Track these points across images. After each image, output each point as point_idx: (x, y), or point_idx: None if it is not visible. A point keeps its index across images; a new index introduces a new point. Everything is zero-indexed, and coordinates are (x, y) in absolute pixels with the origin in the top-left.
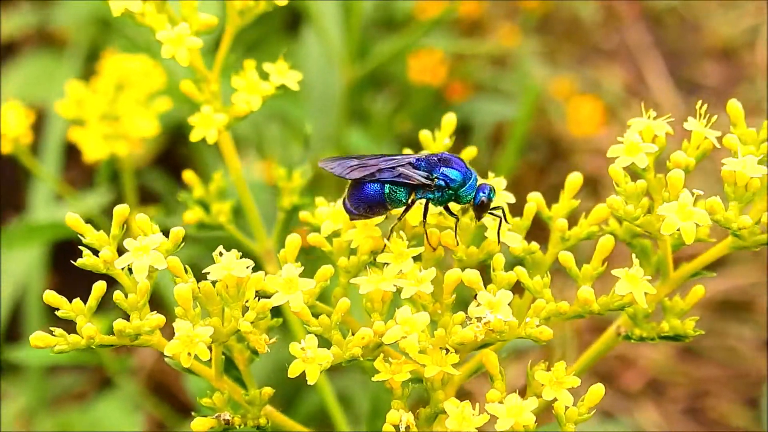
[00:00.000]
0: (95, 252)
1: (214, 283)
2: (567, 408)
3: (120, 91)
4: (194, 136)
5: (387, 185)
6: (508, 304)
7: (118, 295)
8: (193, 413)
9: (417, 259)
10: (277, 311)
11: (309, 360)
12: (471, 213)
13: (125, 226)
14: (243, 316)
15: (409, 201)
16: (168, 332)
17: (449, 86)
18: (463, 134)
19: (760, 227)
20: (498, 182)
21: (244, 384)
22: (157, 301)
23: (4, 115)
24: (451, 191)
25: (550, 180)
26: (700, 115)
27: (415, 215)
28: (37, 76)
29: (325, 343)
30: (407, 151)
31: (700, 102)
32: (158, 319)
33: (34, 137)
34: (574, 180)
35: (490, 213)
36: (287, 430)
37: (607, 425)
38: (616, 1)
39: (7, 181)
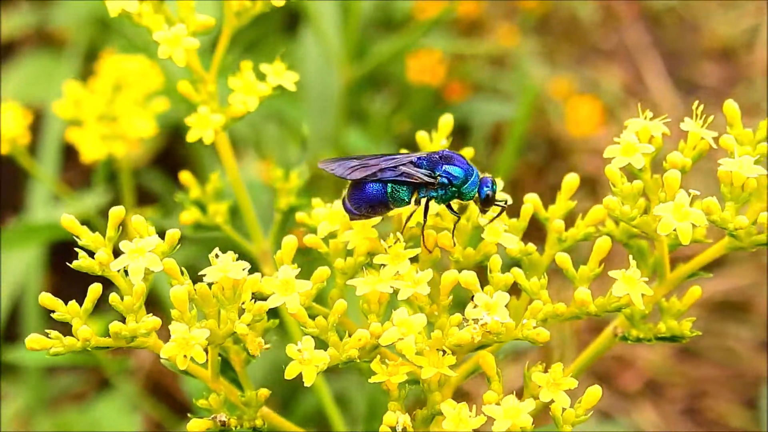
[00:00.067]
0: (91, 254)
1: (210, 285)
2: (564, 410)
3: (118, 92)
4: (191, 137)
5: (389, 185)
6: (505, 306)
7: (113, 297)
8: (189, 414)
9: (414, 260)
10: (273, 313)
11: (306, 362)
12: (468, 213)
13: (121, 227)
14: (239, 318)
15: (412, 200)
16: (164, 334)
17: (448, 86)
18: (461, 134)
19: (757, 227)
20: (490, 176)
21: (241, 385)
22: (154, 302)
23: (1, 116)
24: (454, 188)
25: (549, 180)
26: (697, 115)
27: (407, 213)
28: (35, 76)
29: (321, 344)
30: (405, 151)
31: (697, 102)
32: (154, 321)
33: (32, 138)
34: (570, 181)
35: (495, 204)
36: (284, 431)
37: (605, 426)
38: (615, 1)
39: (6, 181)
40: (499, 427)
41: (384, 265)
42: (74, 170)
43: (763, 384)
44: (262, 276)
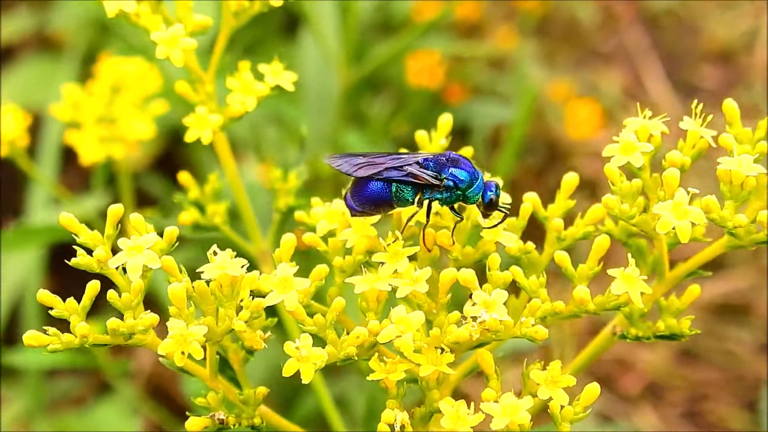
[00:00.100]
0: (90, 252)
1: (208, 282)
2: (562, 407)
3: (116, 94)
4: (189, 137)
5: (394, 184)
6: (504, 304)
7: (111, 293)
8: (187, 413)
9: (413, 258)
10: (272, 311)
11: (304, 359)
12: (468, 212)
13: (119, 226)
14: (237, 315)
15: (415, 200)
16: (162, 332)
17: (447, 89)
18: (461, 137)
19: (756, 226)
20: (491, 178)
21: (239, 384)
22: (152, 302)
23: (1, 118)
24: (459, 192)
25: (548, 183)
26: (696, 114)
27: (408, 214)
28: (35, 79)
29: (320, 342)
30: (404, 151)
31: (696, 102)
32: (152, 318)
33: (31, 141)
34: (570, 180)
35: (498, 210)
36: (282, 430)
37: (606, 429)
38: (613, 2)
39: (6, 184)
40: (497, 424)
41: (382, 263)
42: (74, 174)
43: (763, 387)
44: (261, 274)
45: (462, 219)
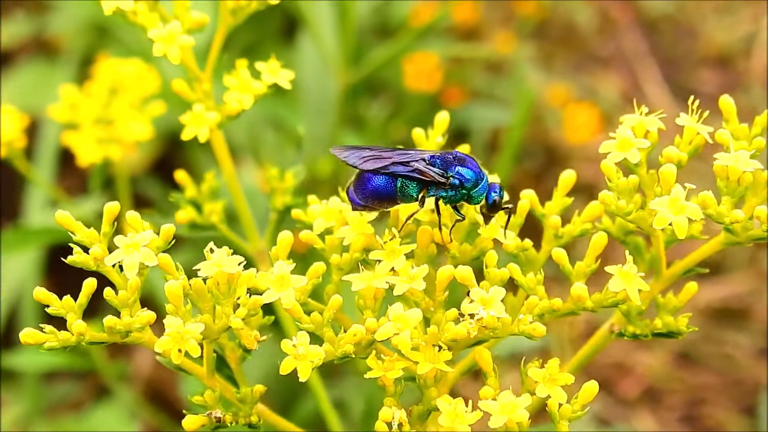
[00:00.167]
0: (86, 250)
1: (205, 280)
2: (561, 405)
3: (114, 95)
4: (186, 135)
5: (399, 179)
6: (501, 301)
7: (108, 291)
8: (184, 411)
9: (410, 256)
10: (269, 310)
11: (301, 357)
12: (465, 209)
13: (116, 224)
14: (234, 313)
15: (419, 197)
16: (160, 332)
17: (445, 92)
18: (459, 140)
19: (753, 222)
20: (492, 179)
21: (237, 383)
22: (149, 304)
23: None
24: (464, 191)
25: (547, 187)
26: (692, 110)
27: (406, 211)
28: (32, 84)
29: (317, 340)
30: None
31: (692, 101)
32: (148, 315)
33: (29, 144)
34: (567, 178)
35: (501, 210)
36: (280, 428)
37: None
38: (612, 2)
39: (4, 187)
40: (495, 422)
41: (380, 261)
42: (72, 177)
43: (761, 391)
44: (258, 272)
45: (463, 219)
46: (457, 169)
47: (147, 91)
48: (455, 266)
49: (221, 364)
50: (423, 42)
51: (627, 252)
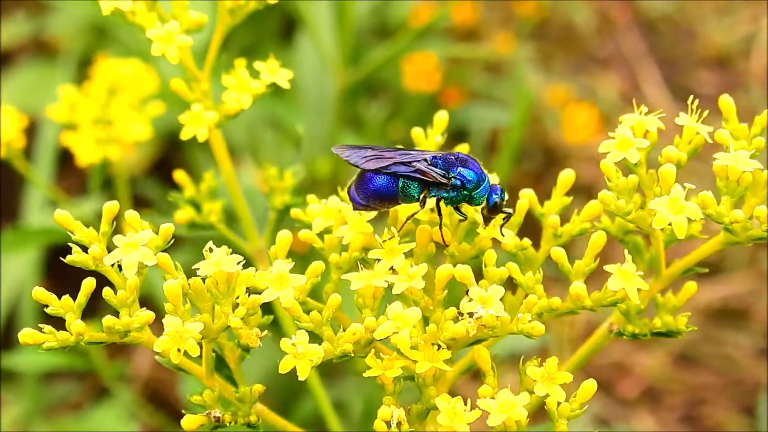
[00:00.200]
0: (85, 249)
1: (204, 279)
2: (559, 404)
3: (113, 95)
4: (184, 134)
5: (401, 179)
6: (500, 300)
7: (107, 291)
8: (183, 410)
9: (409, 255)
10: (268, 309)
11: (300, 356)
12: (464, 209)
13: (114, 223)
14: (233, 312)
15: (421, 197)
16: (159, 332)
17: (444, 92)
18: (458, 141)
19: (753, 222)
20: (492, 179)
21: (236, 383)
22: (148, 305)
23: None
24: (466, 192)
25: (546, 187)
26: (692, 110)
27: (406, 210)
28: (32, 85)
29: (316, 339)
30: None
31: (692, 101)
32: (147, 315)
33: (29, 145)
34: (566, 177)
35: (502, 211)
36: (278, 428)
37: None
38: (611, 3)
39: (3, 187)
40: (493, 420)
41: (379, 260)
42: (71, 178)
43: (761, 391)
44: (257, 271)
45: (466, 218)
46: (459, 170)
47: (146, 91)
48: (454, 265)
49: (220, 364)
50: (422, 42)
51: (626, 251)
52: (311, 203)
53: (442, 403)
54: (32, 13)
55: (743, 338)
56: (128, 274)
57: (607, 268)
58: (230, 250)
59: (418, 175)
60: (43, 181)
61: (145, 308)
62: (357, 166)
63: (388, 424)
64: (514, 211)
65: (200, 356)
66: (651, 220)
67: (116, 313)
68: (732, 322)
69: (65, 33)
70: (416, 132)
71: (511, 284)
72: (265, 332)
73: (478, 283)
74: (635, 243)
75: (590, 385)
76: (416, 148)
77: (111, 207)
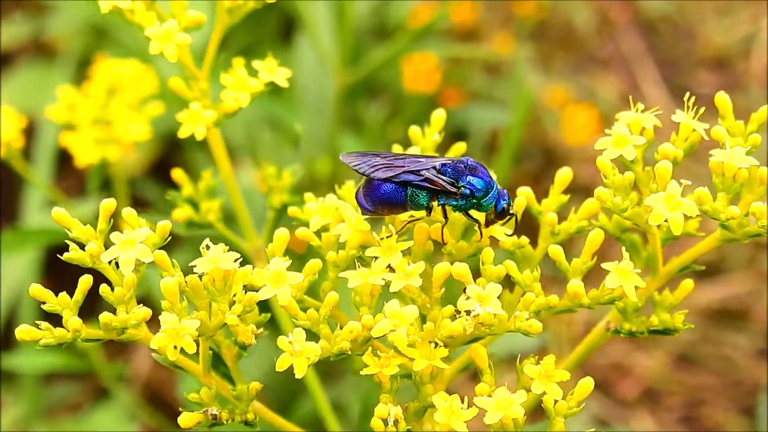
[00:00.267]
0: (82, 247)
1: (201, 276)
2: (556, 402)
3: (112, 96)
4: (183, 133)
5: (410, 187)
6: (498, 298)
7: (104, 288)
8: (180, 408)
9: (406, 253)
10: (265, 307)
11: (297, 353)
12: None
13: (111, 221)
14: (230, 309)
15: (429, 205)
16: (156, 330)
17: (444, 93)
18: (457, 141)
19: (749, 219)
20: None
21: (233, 380)
22: (147, 302)
23: None
24: (474, 200)
25: (545, 187)
26: (688, 107)
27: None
28: (31, 86)
29: (313, 337)
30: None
31: (688, 99)
32: (144, 312)
33: (28, 146)
34: (563, 175)
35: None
36: (276, 426)
37: None
38: (610, 3)
39: (2, 187)
40: (490, 418)
41: (376, 258)
42: (70, 179)
43: (761, 392)
44: (254, 269)
45: (477, 222)
46: (468, 178)
47: (145, 91)
48: (452, 263)
49: (217, 362)
50: (421, 43)
51: (623, 249)
52: (309, 201)
53: (439, 400)
54: (31, 14)
55: (743, 339)
56: (125, 271)
57: (604, 265)
58: (227, 248)
59: (426, 184)
60: (42, 181)
61: (141, 305)
62: (367, 176)
63: (385, 422)
64: (515, 213)
65: (197, 353)
66: (647, 216)
67: (113, 311)
68: (731, 323)
69: (64, 34)
70: (414, 131)
71: (508, 282)
72: (261, 329)
73: (475, 281)
74: (632, 241)
75: (587, 383)
76: (426, 155)
77: (108, 204)
